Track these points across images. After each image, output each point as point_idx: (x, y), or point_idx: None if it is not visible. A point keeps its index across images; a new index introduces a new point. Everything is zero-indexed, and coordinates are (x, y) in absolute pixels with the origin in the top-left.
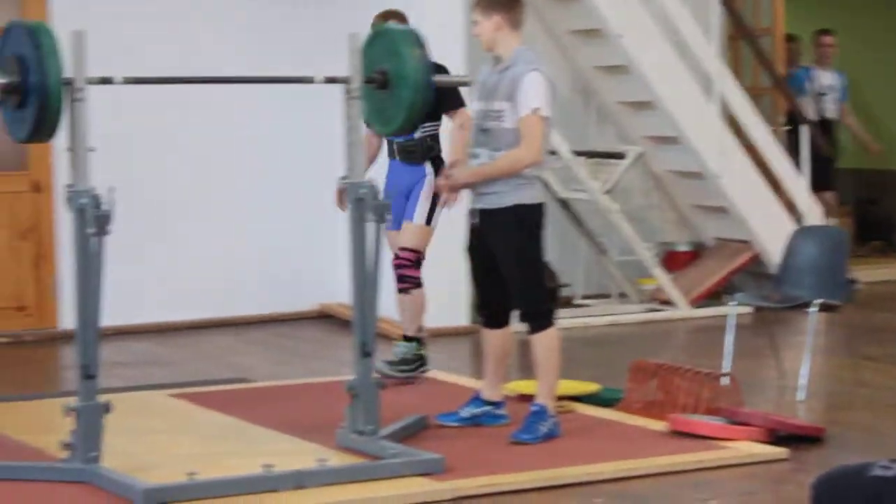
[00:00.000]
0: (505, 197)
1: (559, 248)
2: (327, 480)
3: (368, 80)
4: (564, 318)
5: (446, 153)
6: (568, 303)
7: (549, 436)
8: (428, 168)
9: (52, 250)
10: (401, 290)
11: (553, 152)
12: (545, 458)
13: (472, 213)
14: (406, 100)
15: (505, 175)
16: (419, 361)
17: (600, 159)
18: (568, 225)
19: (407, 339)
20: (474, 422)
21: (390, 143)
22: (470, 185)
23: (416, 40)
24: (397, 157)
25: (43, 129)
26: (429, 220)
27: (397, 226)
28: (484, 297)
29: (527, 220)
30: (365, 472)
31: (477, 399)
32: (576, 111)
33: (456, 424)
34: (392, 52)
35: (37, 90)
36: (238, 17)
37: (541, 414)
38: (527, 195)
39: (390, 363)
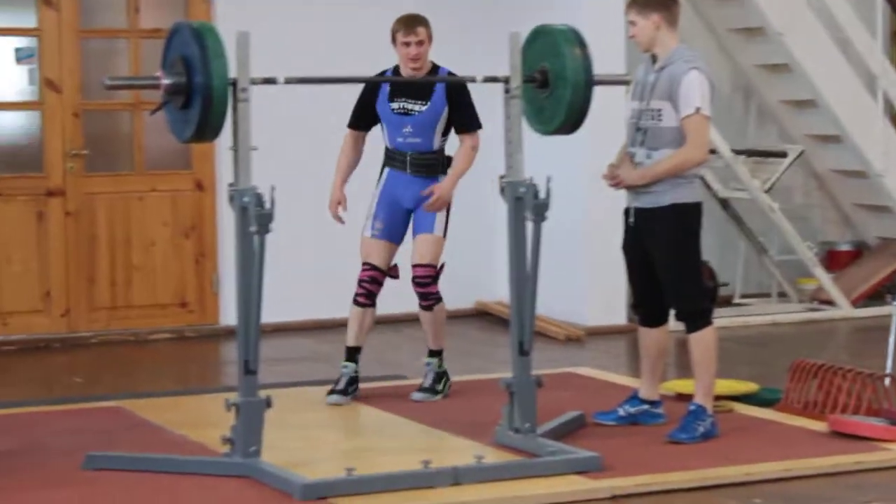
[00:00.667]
0: (663, 196)
1: (719, 248)
2: (484, 477)
3: (528, 80)
4: (723, 318)
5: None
6: (727, 302)
7: (707, 435)
8: (441, 179)
9: (213, 248)
10: (425, 308)
11: (713, 151)
12: (703, 458)
13: (629, 211)
14: (566, 99)
15: (672, 175)
16: (447, 377)
17: (761, 158)
18: (728, 224)
19: (432, 353)
20: (632, 420)
21: (402, 156)
22: (637, 187)
23: (578, 39)
24: (408, 171)
25: (206, 129)
26: (445, 232)
27: (396, 239)
28: (640, 295)
29: (684, 219)
30: (521, 470)
31: (634, 398)
32: (736, 110)
33: (613, 423)
34: (553, 51)
35: (202, 91)
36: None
37: (698, 413)
38: (685, 194)
39: (429, 390)
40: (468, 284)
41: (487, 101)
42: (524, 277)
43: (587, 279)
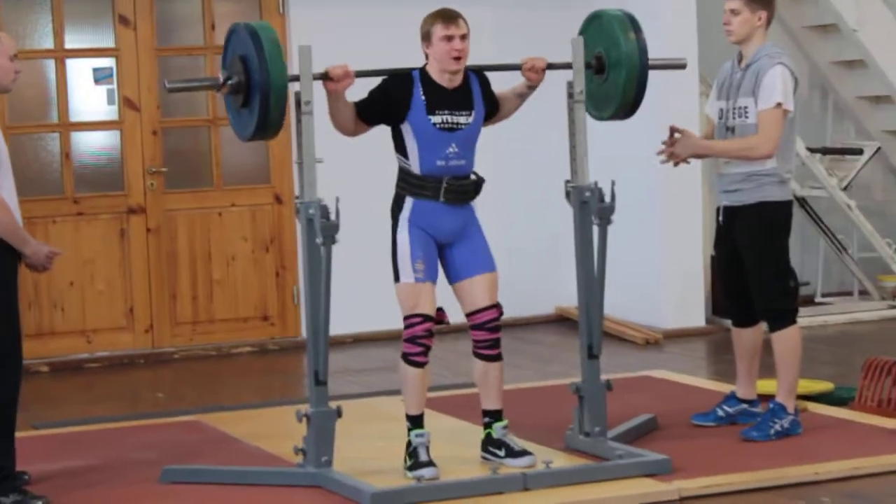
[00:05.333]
0: (750, 194)
1: (798, 246)
2: (552, 482)
3: (585, 66)
4: (803, 317)
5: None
6: (808, 301)
7: (785, 434)
8: (474, 206)
9: (293, 260)
10: (494, 358)
11: None
12: (773, 458)
13: (719, 210)
14: (620, 84)
15: (732, 156)
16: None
17: (838, 155)
18: (806, 223)
19: (498, 414)
20: (731, 420)
21: (436, 182)
22: (695, 156)
23: (633, 24)
24: (441, 199)
25: (266, 126)
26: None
27: (435, 278)
28: (729, 294)
29: (771, 217)
30: (590, 474)
31: (732, 397)
32: (813, 107)
33: (713, 424)
34: (607, 36)
35: (259, 89)
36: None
37: (777, 412)
38: (773, 192)
39: (525, 451)
40: (548, 290)
41: (563, 104)
42: (591, 281)
43: (665, 282)
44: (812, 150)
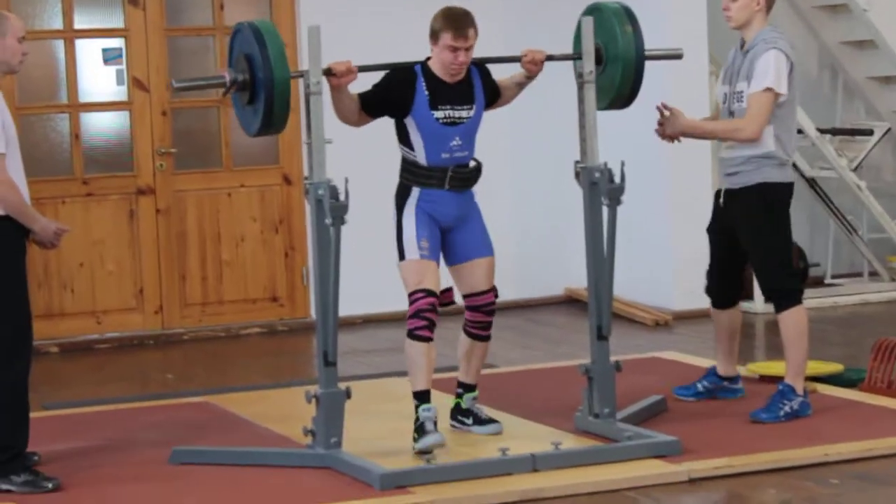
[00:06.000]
0: (750, 175)
1: (808, 228)
2: (561, 464)
3: (580, 56)
4: (813, 298)
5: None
6: (818, 282)
7: (795, 415)
8: (473, 191)
9: (303, 242)
10: (485, 338)
11: (799, 130)
12: (782, 440)
13: (719, 193)
14: (617, 75)
15: (718, 137)
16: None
17: (847, 136)
18: (816, 204)
19: (471, 388)
20: (710, 395)
21: (441, 172)
22: (684, 135)
23: (628, 16)
24: (445, 186)
25: (272, 122)
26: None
27: (438, 259)
28: (715, 275)
29: (771, 198)
30: (599, 455)
31: (712, 374)
32: (822, 88)
33: (693, 398)
34: (604, 28)
35: (264, 87)
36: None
37: (786, 393)
38: (773, 174)
39: (493, 420)
40: (557, 271)
41: (572, 86)
42: (601, 262)
43: (675, 263)
44: (822, 131)
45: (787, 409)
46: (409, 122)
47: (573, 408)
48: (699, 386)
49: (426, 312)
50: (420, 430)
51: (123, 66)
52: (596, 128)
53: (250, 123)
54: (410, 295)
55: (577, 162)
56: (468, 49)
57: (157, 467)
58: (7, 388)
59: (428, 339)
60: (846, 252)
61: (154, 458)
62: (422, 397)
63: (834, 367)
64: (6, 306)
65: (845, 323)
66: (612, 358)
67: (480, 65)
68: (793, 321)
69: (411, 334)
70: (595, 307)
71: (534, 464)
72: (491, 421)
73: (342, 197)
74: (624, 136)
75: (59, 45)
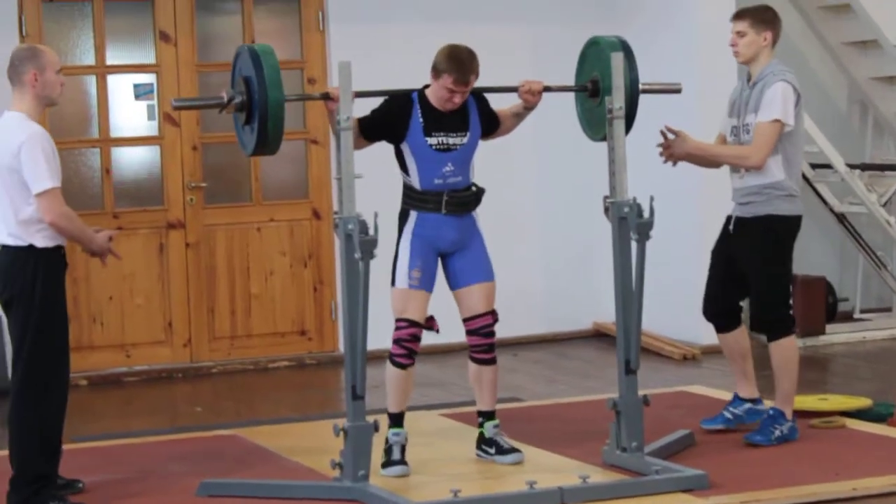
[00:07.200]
0: (759, 207)
1: (837, 262)
2: (589, 497)
3: (580, 89)
4: (842, 333)
5: None
6: (847, 317)
7: (785, 439)
8: (476, 216)
9: (331, 276)
10: (489, 362)
11: (828, 166)
12: (811, 474)
13: (730, 219)
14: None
15: (724, 161)
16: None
17: (877, 171)
18: (846, 238)
19: (491, 415)
20: (739, 420)
21: (437, 197)
22: (689, 158)
23: (624, 49)
24: (442, 211)
25: (266, 142)
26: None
27: (431, 287)
28: (710, 299)
29: (777, 230)
30: (626, 489)
31: (736, 399)
32: (852, 123)
33: (721, 427)
34: (601, 61)
35: (259, 107)
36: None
37: (776, 418)
38: (782, 206)
39: (515, 449)
40: (585, 306)
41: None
42: (630, 297)
43: (690, 295)
44: (851, 167)
45: (777, 433)
46: (405, 148)
47: (601, 441)
48: (726, 413)
49: (406, 342)
50: (387, 452)
51: (154, 101)
52: (625, 163)
53: (247, 143)
54: (396, 322)
55: (606, 197)
56: (465, 93)
57: (186, 499)
58: (44, 419)
59: (405, 367)
60: (875, 287)
61: (182, 490)
62: (395, 420)
63: (863, 402)
64: (49, 337)
65: (874, 358)
66: (641, 392)
67: (477, 94)
68: (784, 349)
69: (392, 360)
70: (623, 341)
71: (561, 497)
72: (513, 450)
73: (371, 231)
74: (652, 169)
75: (91, 81)
